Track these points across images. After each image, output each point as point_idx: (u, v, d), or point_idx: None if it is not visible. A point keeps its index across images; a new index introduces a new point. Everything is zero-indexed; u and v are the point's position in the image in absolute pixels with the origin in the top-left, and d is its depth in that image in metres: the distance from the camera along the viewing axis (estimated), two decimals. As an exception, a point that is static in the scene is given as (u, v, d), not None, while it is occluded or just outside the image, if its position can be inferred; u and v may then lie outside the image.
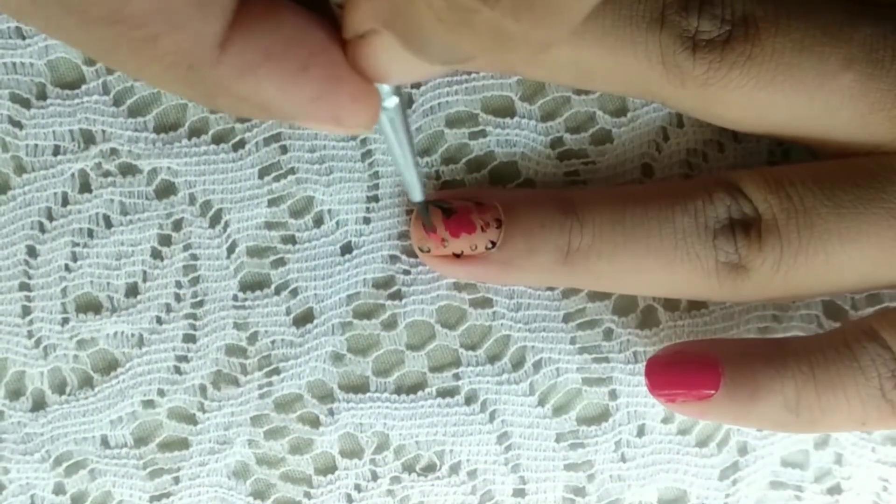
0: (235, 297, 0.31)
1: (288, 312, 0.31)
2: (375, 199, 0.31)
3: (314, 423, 0.31)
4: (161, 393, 0.31)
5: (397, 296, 0.31)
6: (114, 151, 0.31)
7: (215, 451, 0.31)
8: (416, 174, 0.26)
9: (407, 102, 0.31)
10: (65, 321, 0.31)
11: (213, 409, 0.31)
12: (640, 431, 0.31)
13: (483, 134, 0.31)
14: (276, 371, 0.31)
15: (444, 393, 0.31)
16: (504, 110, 0.31)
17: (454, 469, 0.31)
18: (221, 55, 0.18)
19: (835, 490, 0.32)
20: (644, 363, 0.31)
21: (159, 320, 0.31)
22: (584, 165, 0.31)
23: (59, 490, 0.32)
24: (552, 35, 0.16)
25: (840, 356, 0.27)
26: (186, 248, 0.31)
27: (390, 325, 0.31)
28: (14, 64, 0.31)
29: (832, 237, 0.27)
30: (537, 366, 0.31)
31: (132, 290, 0.31)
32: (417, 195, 0.27)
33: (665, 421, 0.31)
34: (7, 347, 0.31)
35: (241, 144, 0.31)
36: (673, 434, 0.31)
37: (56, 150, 0.31)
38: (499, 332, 0.31)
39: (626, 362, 0.31)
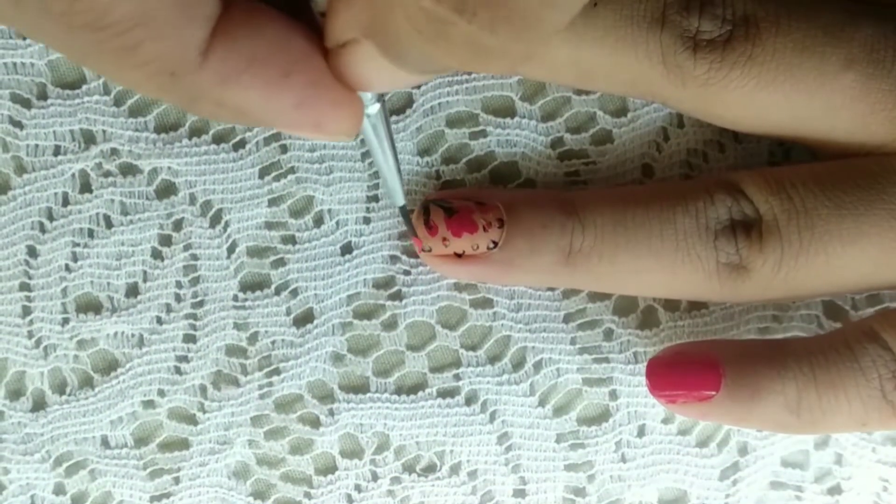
0: (236, 298, 0.31)
1: (288, 313, 0.31)
2: (375, 198, 0.31)
3: (314, 423, 0.31)
4: (161, 393, 0.31)
5: (398, 296, 0.31)
6: (114, 151, 0.31)
7: (215, 451, 0.31)
8: (398, 179, 0.26)
9: (406, 102, 0.31)
10: (65, 321, 0.31)
11: (214, 410, 0.31)
12: (641, 432, 0.31)
13: (483, 134, 0.31)
14: (277, 371, 0.31)
15: (445, 393, 0.31)
16: (504, 110, 0.31)
17: (454, 469, 0.31)
18: (203, 62, 0.18)
19: (835, 490, 0.32)
20: (644, 363, 0.31)
21: (159, 320, 0.31)
22: (584, 165, 0.31)
23: (59, 490, 0.32)
24: (529, 48, 0.16)
25: (841, 357, 0.27)
26: (187, 248, 0.31)
27: (391, 325, 0.31)
28: (15, 64, 0.31)
29: (833, 238, 0.27)
30: (538, 366, 0.31)
31: (132, 291, 0.31)
32: (399, 200, 0.27)
33: (665, 421, 0.31)
34: (7, 347, 0.31)
35: (241, 144, 0.31)
36: (673, 434, 0.31)
37: (56, 150, 0.31)
38: (499, 333, 0.31)
39: (626, 363, 0.31)
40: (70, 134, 0.31)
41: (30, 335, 0.31)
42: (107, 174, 0.31)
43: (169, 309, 0.31)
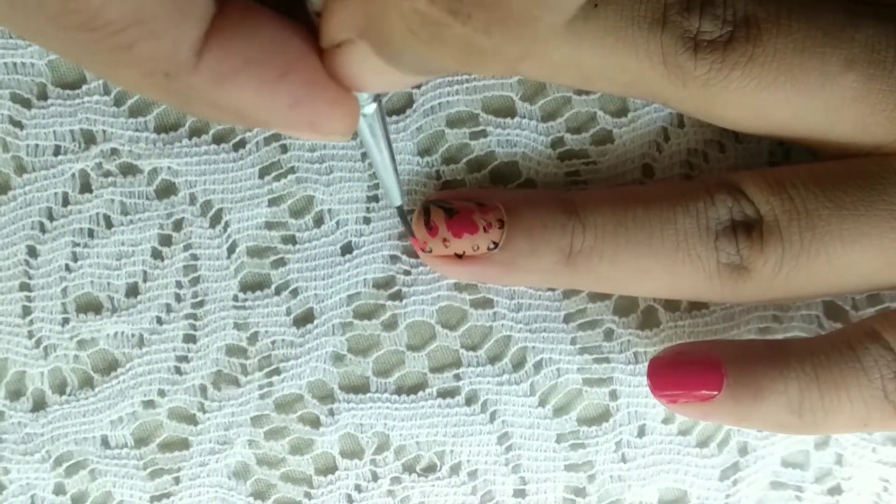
0: (236, 298, 0.31)
1: (288, 313, 0.31)
2: (376, 198, 0.31)
3: (314, 423, 0.31)
4: (161, 393, 0.31)
5: (398, 296, 0.31)
6: (114, 151, 0.31)
7: (216, 451, 0.31)
8: (395, 179, 0.26)
9: (406, 102, 0.31)
10: (65, 321, 0.31)
11: (214, 410, 0.31)
12: (641, 432, 0.31)
13: (484, 134, 0.31)
14: (277, 371, 0.31)
15: (445, 393, 0.31)
16: (505, 110, 0.31)
17: (455, 469, 0.31)
18: (198, 63, 0.18)
19: (835, 490, 0.32)
20: (645, 364, 0.31)
21: (160, 320, 0.31)
22: (584, 166, 0.31)
23: (59, 490, 0.32)
24: (524, 49, 0.16)
25: (843, 357, 0.27)
26: (187, 248, 0.31)
27: (391, 325, 0.31)
28: (15, 64, 0.31)
29: (834, 239, 0.27)
30: (538, 366, 0.31)
31: (132, 291, 0.31)
32: (396, 199, 0.27)
33: (665, 421, 0.31)
34: (7, 347, 0.31)
35: (241, 144, 0.31)
36: (673, 434, 0.31)
37: (57, 150, 0.31)
38: (499, 333, 0.31)
39: (626, 363, 0.31)
40: (70, 134, 0.31)
41: (30, 335, 0.31)
42: (107, 174, 0.31)
43: (169, 309, 0.31)
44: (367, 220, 0.31)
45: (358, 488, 0.31)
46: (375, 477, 0.32)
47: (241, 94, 0.19)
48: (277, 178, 0.31)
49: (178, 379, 0.31)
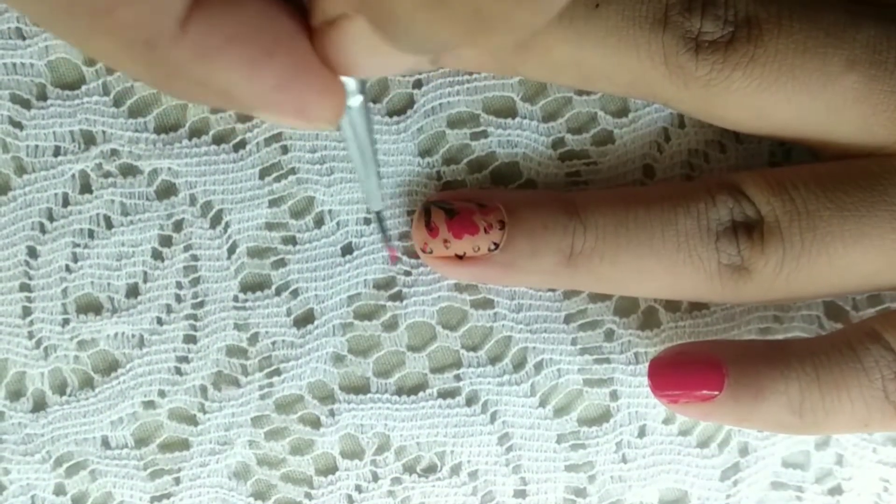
0: (236, 298, 0.31)
1: (289, 313, 0.31)
2: (376, 199, 0.31)
3: (315, 423, 0.31)
4: (162, 394, 0.31)
5: (398, 297, 0.31)
6: (114, 152, 0.31)
7: (216, 451, 0.31)
8: (375, 180, 0.24)
9: (407, 103, 0.31)
10: (65, 322, 0.31)
11: (214, 410, 0.31)
12: (642, 432, 0.31)
13: (484, 134, 0.31)
14: (277, 372, 0.31)
15: (445, 394, 0.31)
16: (505, 111, 0.31)
17: (455, 470, 0.31)
18: (182, 34, 0.17)
19: (836, 491, 0.32)
20: (645, 364, 0.31)
21: (160, 321, 0.31)
22: (585, 166, 0.31)
23: (59, 491, 0.32)
24: (534, 19, 0.15)
25: (844, 358, 0.26)
26: (187, 248, 0.31)
27: (391, 326, 0.31)
28: (14, 64, 0.31)
29: (835, 239, 0.27)
30: (538, 367, 0.31)
31: (133, 291, 0.31)
32: (377, 203, 0.26)
33: (666, 422, 0.31)
34: (8, 348, 0.31)
35: (241, 145, 0.31)
36: (674, 435, 0.31)
37: (56, 151, 0.31)
38: (500, 334, 0.31)
39: (627, 363, 0.31)
40: (70, 135, 0.31)
41: (30, 336, 0.31)
42: (107, 175, 0.31)
43: (169, 309, 0.31)
44: (367, 221, 0.31)
45: (358, 489, 0.31)
46: (376, 477, 0.32)
47: (224, 71, 0.18)
48: (278, 179, 0.31)
49: (178, 379, 0.31)
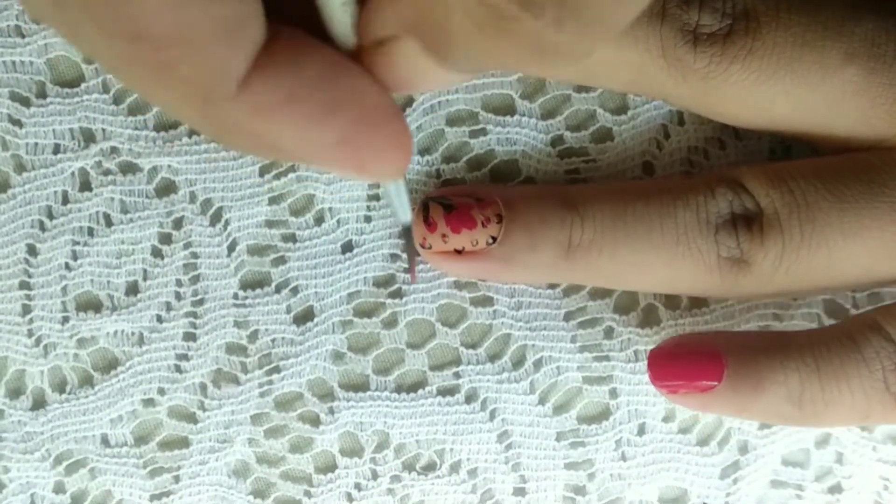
0: (236, 296, 0.31)
1: (288, 311, 0.31)
2: (376, 197, 0.31)
3: (314, 421, 0.31)
4: (161, 391, 0.31)
5: (398, 294, 0.31)
6: (114, 150, 0.31)
7: (215, 449, 0.31)
8: (405, 193, 0.24)
9: (406, 101, 0.31)
10: (65, 320, 0.31)
11: (214, 408, 0.31)
12: (641, 430, 0.31)
13: (483, 132, 0.31)
14: (277, 369, 0.31)
15: (445, 391, 0.31)
16: (504, 108, 0.31)
17: (454, 468, 0.31)
18: (240, 91, 0.17)
19: (836, 489, 0.32)
20: (645, 362, 0.31)
21: (160, 319, 0.31)
22: (584, 163, 0.31)
23: (59, 489, 0.32)
24: (593, 45, 0.15)
25: (844, 348, 0.26)
26: (187, 246, 0.31)
27: (391, 323, 0.31)
28: (14, 62, 0.31)
29: (834, 231, 0.27)
30: (538, 364, 0.31)
31: (132, 289, 0.31)
32: (406, 216, 0.25)
33: (666, 419, 0.31)
34: (7, 346, 0.31)
35: (241, 143, 0.31)
36: (674, 433, 0.31)
37: (56, 149, 0.31)
38: (499, 331, 0.31)
39: (626, 361, 0.31)
40: (69, 132, 0.31)
41: (30, 334, 0.31)
42: (106, 172, 0.31)
43: (169, 307, 0.31)
44: (367, 219, 0.31)
45: (358, 487, 0.31)
46: (375, 475, 0.31)
47: (282, 128, 0.18)
48: (278, 177, 0.31)
49: (178, 377, 0.31)
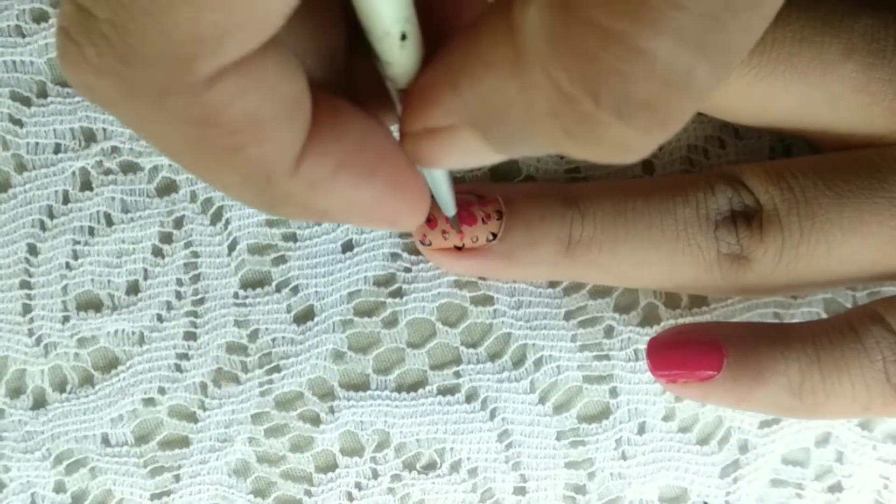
0: (236, 295, 0.31)
1: (289, 310, 0.31)
2: (376, 196, 0.31)
3: (315, 420, 0.31)
4: (162, 391, 0.31)
5: (398, 293, 0.31)
6: (115, 149, 0.31)
7: (216, 448, 0.31)
8: (449, 188, 0.25)
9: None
10: (65, 319, 0.31)
11: (214, 407, 0.31)
12: (641, 429, 0.31)
13: (484, 131, 0.31)
14: (277, 369, 0.31)
15: (445, 391, 0.31)
16: (505, 108, 0.31)
17: (455, 467, 0.31)
18: (297, 168, 0.17)
19: (836, 488, 0.32)
20: (645, 361, 0.31)
21: (160, 318, 0.31)
22: (584, 162, 0.31)
23: (59, 488, 0.32)
24: (658, 142, 0.16)
25: (845, 339, 0.26)
26: (187, 245, 0.31)
27: (391, 322, 0.31)
28: (14, 62, 0.31)
29: (834, 227, 0.27)
30: (538, 363, 0.31)
31: (133, 288, 0.31)
32: (450, 209, 0.26)
33: (666, 419, 0.31)
34: (8, 345, 0.31)
35: (241, 142, 0.31)
36: (674, 432, 0.31)
37: (57, 149, 0.31)
38: (500, 330, 0.31)
39: (626, 360, 0.31)
40: (70, 132, 0.31)
41: (30, 333, 0.31)
42: (107, 172, 0.31)
43: (169, 306, 0.31)
44: (367, 218, 0.31)
45: (358, 486, 0.31)
46: (376, 474, 0.31)
47: (332, 196, 0.18)
48: (278, 176, 0.31)
49: (178, 376, 0.31)
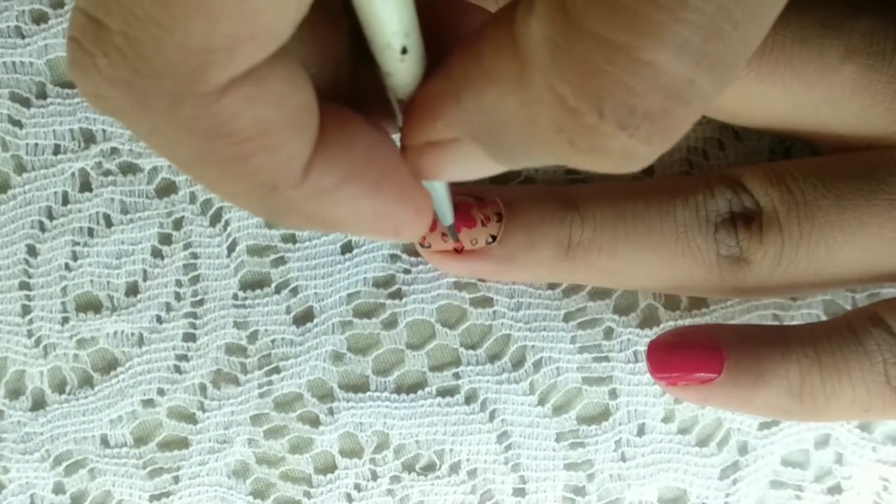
0: (235, 296, 0.31)
1: (288, 311, 0.31)
2: (376, 198, 0.31)
3: (314, 422, 0.31)
4: (161, 392, 0.31)
5: (397, 295, 0.31)
6: (114, 150, 0.31)
7: (215, 450, 0.31)
8: (447, 199, 0.25)
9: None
10: (65, 320, 0.31)
11: (213, 409, 0.31)
12: (641, 431, 0.31)
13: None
14: (276, 370, 0.31)
15: (444, 392, 0.31)
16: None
17: (454, 468, 0.31)
18: (304, 178, 0.17)
19: (835, 490, 0.32)
20: (644, 362, 0.31)
21: (159, 319, 0.31)
22: (584, 164, 0.31)
23: (58, 489, 0.32)
24: (666, 149, 0.16)
25: (845, 341, 0.26)
26: (187, 246, 0.31)
27: (390, 324, 0.31)
28: (14, 63, 0.31)
29: (833, 229, 0.27)
30: (537, 365, 0.31)
31: (132, 289, 0.31)
32: (448, 219, 0.26)
33: (665, 420, 0.31)
34: (7, 346, 0.31)
35: (241, 143, 0.31)
36: (673, 433, 0.31)
37: (56, 149, 0.31)
38: (499, 332, 0.31)
39: (626, 361, 0.31)
40: (70, 133, 0.31)
41: (29, 334, 0.31)
42: (107, 173, 0.31)
43: (169, 308, 0.31)
44: (366, 219, 0.31)
45: (357, 487, 0.31)
46: (375, 476, 0.31)
47: (337, 207, 0.18)
48: (277, 177, 0.31)
49: (177, 378, 0.31)
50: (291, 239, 0.31)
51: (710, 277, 0.28)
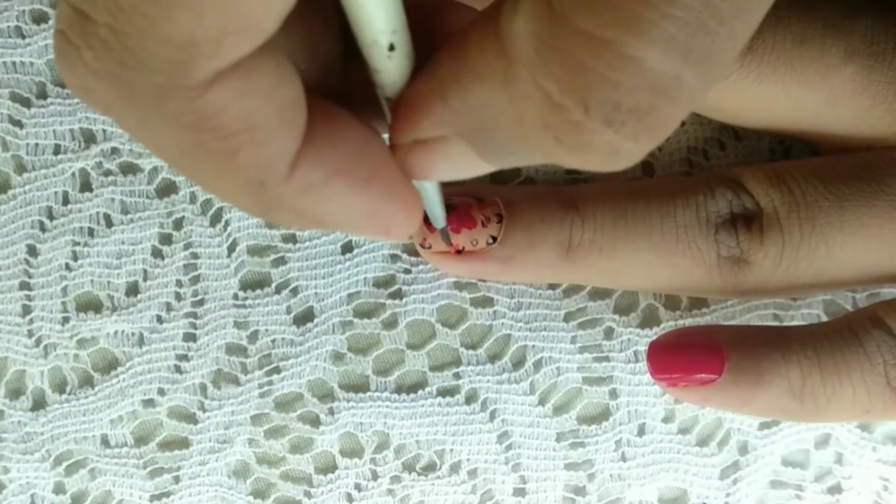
0: (236, 296, 0.31)
1: (288, 311, 0.31)
2: (376, 198, 0.31)
3: (314, 422, 0.31)
4: (161, 392, 0.31)
5: (398, 295, 0.31)
6: (114, 150, 0.31)
7: (216, 450, 0.31)
8: (439, 202, 0.25)
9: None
10: (65, 320, 0.31)
11: (214, 408, 0.31)
12: (641, 430, 0.31)
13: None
14: (277, 370, 0.31)
15: (445, 392, 0.31)
16: (504, 109, 0.31)
17: (454, 468, 0.31)
18: (291, 173, 0.17)
19: (835, 489, 0.32)
20: (645, 362, 0.31)
21: (160, 319, 0.31)
22: (584, 164, 0.31)
23: (59, 489, 0.32)
24: (652, 148, 0.16)
25: (846, 342, 0.26)
26: (187, 246, 0.31)
27: (391, 324, 0.31)
28: (14, 63, 0.31)
29: (834, 230, 0.27)
30: (538, 365, 0.31)
31: (133, 289, 0.31)
32: (440, 222, 0.26)
33: (666, 420, 0.31)
34: (7, 346, 0.31)
35: (241, 143, 0.31)
36: (673, 433, 0.31)
37: (57, 149, 0.31)
38: (499, 332, 0.31)
39: (626, 361, 0.31)
40: (70, 133, 0.31)
41: (30, 334, 0.31)
42: (107, 173, 0.31)
43: (169, 308, 0.31)
44: (367, 219, 0.31)
45: (358, 487, 0.31)
46: (375, 476, 0.31)
47: (326, 203, 0.18)
48: (277, 177, 0.31)
49: (178, 378, 0.31)
50: (292, 239, 0.31)
51: (711, 278, 0.28)
